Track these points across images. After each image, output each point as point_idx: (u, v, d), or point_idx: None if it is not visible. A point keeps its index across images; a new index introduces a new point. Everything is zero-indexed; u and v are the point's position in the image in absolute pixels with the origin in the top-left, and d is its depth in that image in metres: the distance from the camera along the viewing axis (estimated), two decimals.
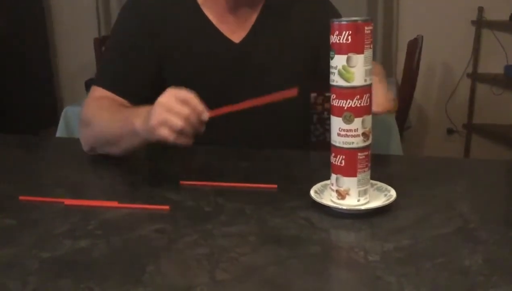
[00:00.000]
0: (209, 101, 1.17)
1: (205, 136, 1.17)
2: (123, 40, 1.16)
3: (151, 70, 1.14)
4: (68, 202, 0.87)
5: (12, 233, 0.77)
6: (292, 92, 0.84)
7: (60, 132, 2.40)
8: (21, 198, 0.89)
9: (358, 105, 0.77)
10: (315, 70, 1.21)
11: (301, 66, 1.20)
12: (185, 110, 0.84)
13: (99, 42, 2.73)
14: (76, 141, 1.12)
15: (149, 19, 1.14)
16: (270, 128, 1.21)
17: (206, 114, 0.87)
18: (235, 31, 1.16)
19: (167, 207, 0.83)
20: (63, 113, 2.43)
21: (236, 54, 1.15)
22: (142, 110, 0.92)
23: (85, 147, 1.08)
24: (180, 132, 0.85)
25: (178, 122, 0.84)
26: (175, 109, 0.84)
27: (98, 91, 1.13)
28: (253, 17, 1.17)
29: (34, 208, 0.86)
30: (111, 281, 0.63)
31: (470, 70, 3.18)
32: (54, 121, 2.74)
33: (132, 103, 1.11)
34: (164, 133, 0.85)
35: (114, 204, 0.85)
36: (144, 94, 1.14)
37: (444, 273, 0.64)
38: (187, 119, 0.84)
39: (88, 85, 2.33)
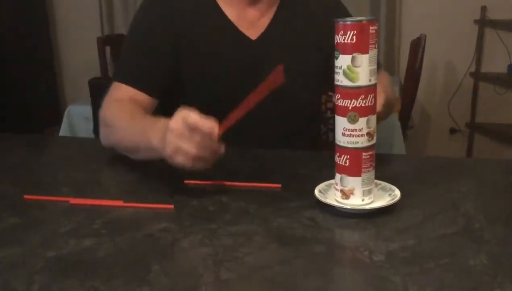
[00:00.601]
0: (226, 98, 1.17)
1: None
2: (142, 37, 1.16)
3: (171, 66, 1.15)
4: (73, 201, 0.87)
5: (17, 232, 0.77)
6: (278, 78, 0.81)
7: (63, 131, 2.41)
8: (26, 197, 0.89)
9: (363, 105, 0.77)
10: (327, 67, 1.20)
11: (315, 63, 1.20)
12: (195, 137, 0.82)
13: (102, 41, 2.74)
14: (80, 140, 1.12)
15: (168, 16, 1.14)
16: (281, 128, 1.21)
17: (215, 132, 0.83)
18: (252, 28, 1.16)
19: (171, 206, 0.84)
20: (66, 113, 2.44)
21: (252, 51, 1.16)
22: (160, 126, 0.90)
23: (105, 145, 1.08)
24: (195, 158, 0.83)
25: (191, 149, 0.82)
26: (185, 136, 0.82)
27: (118, 89, 1.12)
28: (270, 14, 1.18)
29: (39, 207, 0.86)
30: (116, 280, 0.63)
31: (473, 69, 3.18)
32: (57, 121, 2.74)
33: (152, 97, 1.13)
34: (180, 160, 0.83)
35: (119, 203, 0.85)
36: (163, 89, 1.15)
37: (449, 273, 0.64)
38: (199, 144, 0.82)
39: (91, 85, 2.33)
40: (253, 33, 1.16)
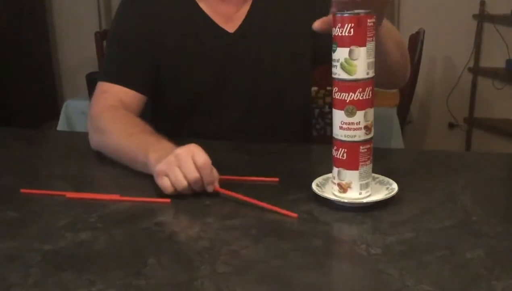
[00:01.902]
0: (207, 92, 1.17)
1: (207, 129, 1.18)
2: (122, 36, 1.17)
3: (153, 63, 1.15)
4: (69, 195, 0.87)
5: (14, 226, 0.77)
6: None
7: (61, 126, 2.41)
8: (22, 191, 0.89)
9: (361, 98, 0.77)
10: (314, 51, 1.19)
11: (298, 50, 1.19)
12: (194, 174, 0.82)
13: (100, 36, 2.73)
14: (78, 134, 1.12)
15: (145, 14, 1.15)
16: (271, 122, 1.21)
17: (211, 188, 0.84)
18: (229, 21, 1.16)
19: (168, 200, 0.83)
20: (63, 107, 2.44)
21: (231, 44, 1.15)
22: (163, 146, 0.90)
23: (93, 147, 1.08)
24: (180, 189, 0.83)
25: (182, 182, 0.82)
26: (185, 168, 0.82)
27: (107, 92, 1.12)
28: (247, 6, 1.17)
29: (35, 201, 0.86)
30: (113, 274, 0.63)
31: (471, 64, 3.17)
32: (55, 115, 2.74)
33: (142, 95, 1.13)
34: (164, 183, 0.83)
35: (116, 197, 0.85)
36: (151, 85, 1.16)
37: (446, 266, 0.64)
38: (192, 183, 0.83)
39: (89, 79, 2.32)
40: (230, 27, 1.16)
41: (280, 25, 1.17)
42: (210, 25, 1.15)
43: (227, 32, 1.15)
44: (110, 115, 1.07)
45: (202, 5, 1.15)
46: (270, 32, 1.17)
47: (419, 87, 2.97)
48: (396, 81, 1.17)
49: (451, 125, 3.31)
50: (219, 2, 1.15)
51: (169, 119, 1.22)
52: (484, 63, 3.17)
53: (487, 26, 3.11)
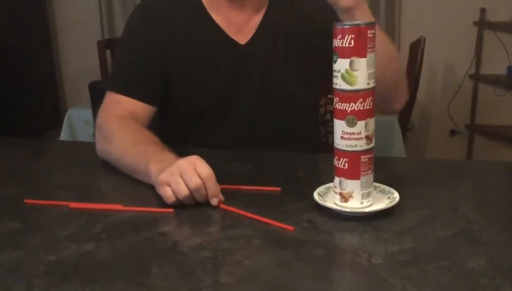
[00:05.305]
0: (217, 103, 1.18)
1: (214, 138, 1.18)
2: (132, 47, 1.17)
3: (163, 74, 1.16)
4: (73, 205, 0.87)
5: (17, 237, 0.78)
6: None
7: (63, 134, 2.42)
8: (26, 201, 0.89)
9: (361, 108, 0.77)
10: (321, 64, 1.19)
11: (308, 62, 1.20)
12: (196, 182, 0.82)
13: (103, 45, 2.74)
14: (81, 144, 1.12)
15: (156, 25, 1.15)
16: (277, 132, 1.21)
17: (216, 201, 0.84)
18: (241, 32, 1.16)
19: (171, 210, 0.84)
20: (66, 116, 2.45)
21: (242, 56, 1.16)
22: (165, 157, 0.91)
23: (98, 154, 1.09)
24: (182, 198, 0.83)
25: (184, 190, 0.82)
26: (186, 176, 0.82)
27: (117, 102, 1.12)
28: (258, 17, 1.17)
29: (39, 211, 0.86)
30: (116, 284, 0.64)
31: (472, 71, 3.18)
32: (57, 124, 2.74)
33: (151, 106, 1.14)
34: (166, 192, 0.84)
35: (119, 207, 0.86)
36: (160, 96, 1.16)
37: (447, 275, 0.64)
38: (194, 191, 0.83)
39: (92, 88, 2.33)
40: (241, 38, 1.16)
41: (289, 38, 1.18)
42: (222, 36, 1.15)
43: (238, 43, 1.16)
44: (118, 124, 1.07)
45: (214, 16, 1.16)
46: (280, 45, 1.18)
47: (420, 95, 2.97)
48: (388, 101, 1.12)
49: (453, 132, 3.31)
50: (231, 12, 1.16)
51: (176, 127, 1.22)
52: (485, 70, 3.18)
53: (488, 33, 3.12)
